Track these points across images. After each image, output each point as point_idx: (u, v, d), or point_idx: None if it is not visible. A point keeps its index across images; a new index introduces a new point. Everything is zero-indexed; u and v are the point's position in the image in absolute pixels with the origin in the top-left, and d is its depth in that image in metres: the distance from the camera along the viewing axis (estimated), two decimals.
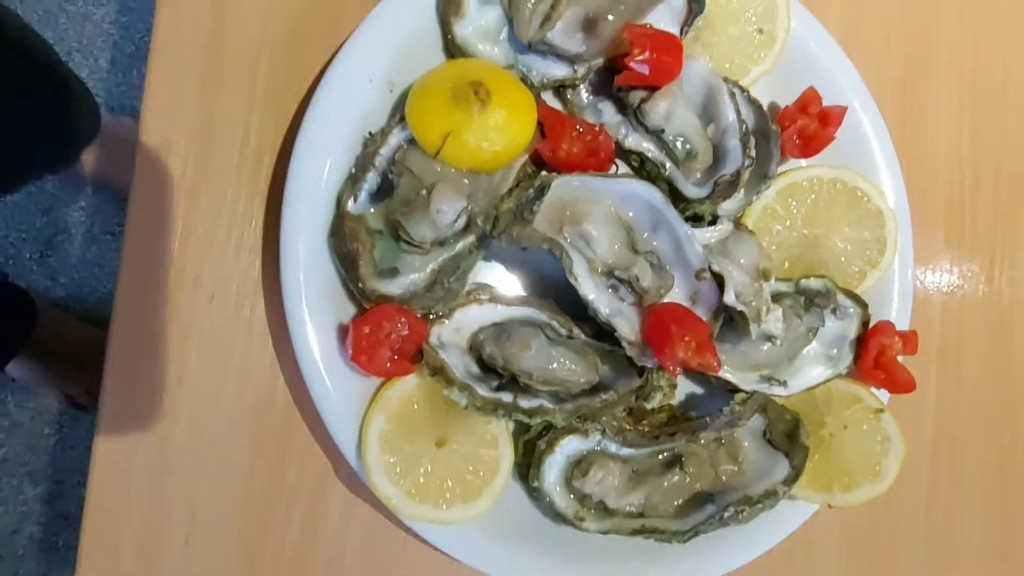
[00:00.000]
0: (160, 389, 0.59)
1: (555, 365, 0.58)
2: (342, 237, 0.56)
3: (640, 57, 0.59)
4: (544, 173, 0.58)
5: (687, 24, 0.62)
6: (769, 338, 0.61)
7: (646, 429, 0.61)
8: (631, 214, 0.59)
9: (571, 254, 0.57)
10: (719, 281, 0.58)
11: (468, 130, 0.56)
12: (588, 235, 0.58)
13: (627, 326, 0.57)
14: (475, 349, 0.59)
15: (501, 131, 0.57)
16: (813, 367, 0.64)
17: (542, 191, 0.57)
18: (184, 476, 0.59)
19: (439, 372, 0.56)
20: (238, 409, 0.60)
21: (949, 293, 0.72)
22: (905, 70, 0.73)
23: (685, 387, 0.65)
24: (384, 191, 0.58)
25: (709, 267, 0.58)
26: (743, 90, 0.65)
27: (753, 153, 0.63)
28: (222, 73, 0.61)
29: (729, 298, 0.57)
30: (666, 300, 0.59)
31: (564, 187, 0.58)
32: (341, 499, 0.60)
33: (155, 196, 0.60)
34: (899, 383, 0.63)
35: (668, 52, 0.60)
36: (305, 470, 0.60)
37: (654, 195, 0.58)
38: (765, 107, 0.67)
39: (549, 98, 0.63)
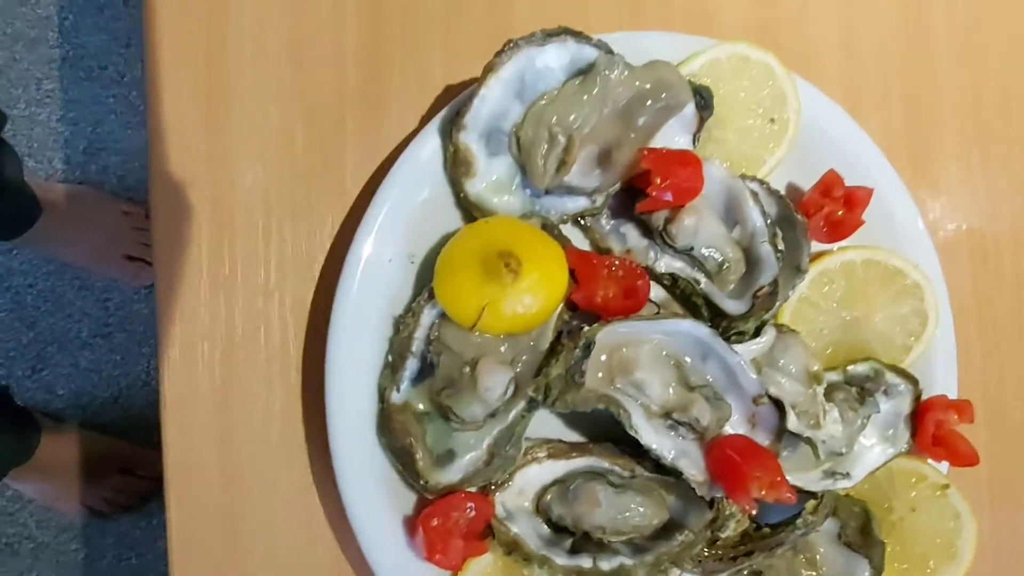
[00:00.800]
0: None
1: (626, 514, 0.57)
2: (393, 433, 0.54)
3: (663, 186, 0.57)
4: (586, 328, 0.56)
5: (699, 131, 0.60)
6: (828, 443, 0.60)
7: (720, 552, 0.60)
8: (679, 350, 0.58)
9: (627, 407, 0.55)
10: (777, 405, 0.57)
11: (503, 300, 0.54)
12: (640, 383, 0.56)
13: (693, 467, 0.56)
14: (542, 510, 0.58)
15: (536, 293, 0.55)
16: (872, 450, 0.64)
17: (588, 348, 0.55)
18: None
19: (514, 548, 0.55)
20: None
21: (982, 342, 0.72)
22: (907, 120, 0.71)
23: None
24: (424, 370, 0.56)
25: (766, 393, 0.57)
26: (762, 183, 0.63)
27: (782, 246, 0.62)
28: (233, 269, 0.58)
29: (791, 424, 0.57)
30: (726, 427, 0.58)
31: (609, 337, 0.56)
32: None
33: (185, 408, 0.58)
34: (961, 456, 0.63)
35: (688, 171, 0.58)
36: None
37: (700, 330, 0.57)
38: (784, 190, 0.65)
39: (568, 229, 0.61)
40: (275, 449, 0.58)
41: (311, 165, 0.60)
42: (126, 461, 1.38)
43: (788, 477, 0.61)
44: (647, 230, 0.61)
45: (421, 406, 0.55)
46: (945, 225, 0.71)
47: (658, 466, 0.59)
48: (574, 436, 0.61)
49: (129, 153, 1.47)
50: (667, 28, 0.64)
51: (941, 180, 0.71)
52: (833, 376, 0.64)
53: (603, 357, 0.56)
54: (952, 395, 0.65)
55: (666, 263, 0.60)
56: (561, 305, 0.57)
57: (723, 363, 0.57)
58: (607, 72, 0.55)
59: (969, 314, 0.71)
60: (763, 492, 0.54)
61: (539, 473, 0.58)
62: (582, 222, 0.62)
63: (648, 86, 0.57)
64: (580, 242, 0.62)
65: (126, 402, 1.46)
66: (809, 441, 0.57)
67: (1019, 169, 0.73)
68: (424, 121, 0.61)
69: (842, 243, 0.64)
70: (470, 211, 0.58)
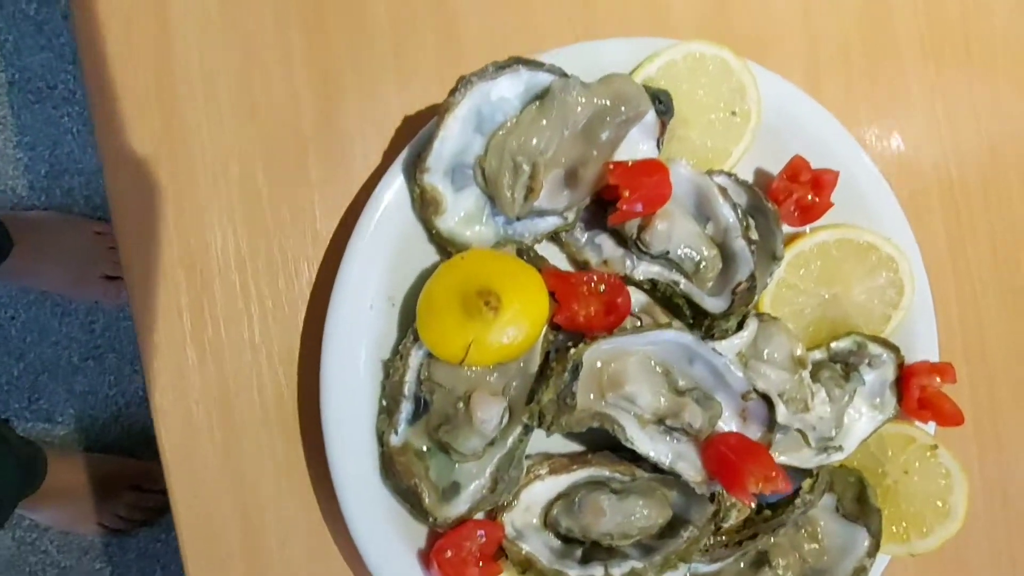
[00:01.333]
0: None
1: (631, 517, 0.59)
2: (397, 476, 0.56)
3: (632, 199, 0.57)
4: (572, 350, 0.57)
5: (662, 135, 0.60)
6: (819, 428, 0.62)
7: (725, 539, 0.62)
8: (665, 357, 0.59)
9: (621, 420, 0.57)
10: (766, 399, 0.58)
11: (488, 336, 0.54)
12: (631, 395, 0.57)
13: (691, 468, 0.58)
14: (550, 524, 0.60)
15: (519, 323, 0.55)
16: (861, 420, 0.66)
17: (576, 371, 0.56)
18: None
19: (528, 567, 0.57)
20: None
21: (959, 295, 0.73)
22: (871, 80, 0.71)
23: None
24: (419, 408, 0.57)
25: (753, 388, 0.58)
26: (730, 175, 0.63)
27: (756, 236, 0.63)
28: (216, 330, 0.59)
29: (781, 417, 0.58)
30: (719, 424, 0.59)
31: (595, 355, 0.57)
32: None
33: (190, 472, 0.58)
34: (947, 416, 0.65)
35: (656, 180, 0.58)
36: None
37: (684, 337, 0.58)
38: (753, 176, 0.66)
39: (544, 246, 0.61)
40: (286, 498, 0.60)
41: (279, 215, 0.60)
42: (135, 477, 1.40)
43: (783, 458, 0.64)
44: (622, 239, 0.61)
45: (420, 444, 0.57)
46: (912, 182, 0.71)
47: (656, 467, 0.60)
48: (572, 447, 0.63)
49: (91, 173, 1.45)
50: (621, 30, 0.64)
51: (907, 134, 0.72)
52: (817, 355, 0.65)
53: (592, 375, 0.57)
54: (934, 358, 0.67)
55: (644, 269, 0.61)
56: (546, 327, 0.58)
57: (709, 364, 0.58)
58: (563, 95, 0.55)
59: (945, 269, 0.72)
60: (759, 486, 0.56)
61: (543, 489, 0.60)
62: (559, 236, 0.62)
63: (607, 102, 0.57)
64: (556, 257, 0.62)
65: (127, 420, 1.47)
66: (800, 432, 0.58)
67: (983, 113, 0.73)
68: (387, 156, 0.61)
69: (814, 224, 0.65)
70: (444, 246, 0.58)
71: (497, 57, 0.62)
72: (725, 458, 0.57)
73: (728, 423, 0.60)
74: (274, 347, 0.60)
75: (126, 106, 0.57)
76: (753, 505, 0.58)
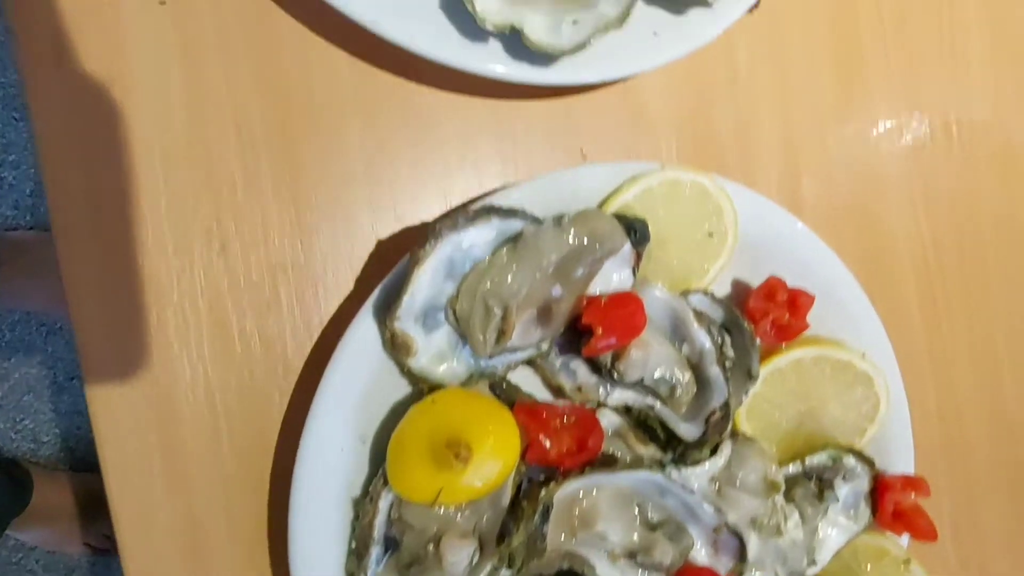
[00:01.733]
0: None
1: None
2: None
3: (606, 339, 0.56)
4: (543, 491, 0.56)
5: (637, 263, 0.59)
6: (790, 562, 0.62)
7: None
8: (638, 491, 0.59)
9: (591, 560, 0.57)
10: (737, 534, 0.58)
11: (458, 483, 0.54)
12: (602, 534, 0.57)
13: None
14: None
15: (490, 466, 0.55)
16: (835, 532, 0.66)
17: (547, 512, 0.56)
18: None
19: None
20: None
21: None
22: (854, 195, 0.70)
23: None
24: (389, 546, 0.57)
25: (724, 524, 0.58)
26: (707, 293, 0.62)
27: (731, 352, 0.63)
28: (185, 467, 0.58)
29: (752, 553, 0.58)
30: (691, 554, 0.60)
31: (566, 494, 0.57)
32: None
33: None
34: (921, 531, 0.65)
35: (630, 314, 0.58)
36: None
37: (654, 476, 0.57)
38: (731, 286, 0.65)
39: (519, 371, 0.61)
40: None
41: (249, 345, 0.59)
42: None
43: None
44: (596, 366, 0.61)
45: None
46: (889, 269, 0.72)
47: None
48: None
49: None
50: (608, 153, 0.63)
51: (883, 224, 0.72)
52: (792, 468, 0.65)
53: (562, 514, 0.57)
54: (910, 469, 0.67)
55: (618, 397, 0.60)
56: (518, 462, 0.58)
57: (681, 500, 0.58)
58: (536, 240, 0.54)
59: (924, 368, 0.73)
60: None
61: None
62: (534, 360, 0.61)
63: (581, 241, 0.55)
64: (530, 378, 0.62)
65: None
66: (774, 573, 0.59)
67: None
68: (359, 284, 0.60)
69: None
70: (415, 382, 0.57)
71: (471, 183, 0.61)
72: None
73: (700, 552, 0.60)
74: (247, 480, 0.59)
75: (89, 272, 0.57)
76: None
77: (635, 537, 0.58)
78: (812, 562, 0.65)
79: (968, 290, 0.73)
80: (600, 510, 0.58)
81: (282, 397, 0.59)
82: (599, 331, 0.56)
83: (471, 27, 0.54)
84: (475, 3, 0.52)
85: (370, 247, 0.60)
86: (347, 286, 0.60)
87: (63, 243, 0.56)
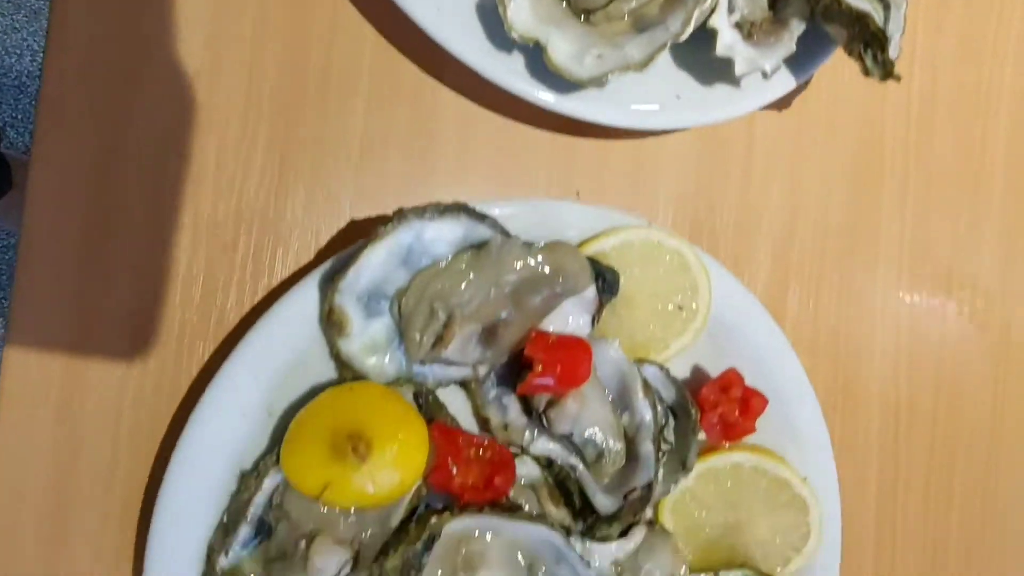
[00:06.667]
0: None
1: None
2: None
3: (544, 377, 0.54)
4: (433, 519, 0.53)
5: (599, 313, 0.57)
6: None
7: None
8: (532, 549, 0.55)
9: None
10: None
11: (349, 480, 0.51)
12: None
13: None
14: None
15: (388, 474, 0.52)
16: None
17: (431, 542, 0.52)
18: None
19: None
20: None
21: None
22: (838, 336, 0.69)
23: None
24: (264, 532, 0.53)
25: None
26: (661, 368, 0.60)
27: (671, 438, 0.60)
28: (84, 393, 0.55)
29: None
30: None
31: (457, 529, 0.53)
32: None
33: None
34: None
35: (575, 360, 0.55)
36: None
37: (555, 538, 0.54)
38: (690, 371, 0.63)
39: (451, 390, 0.58)
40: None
41: (189, 287, 0.57)
42: None
43: None
44: (529, 408, 0.58)
45: (252, 571, 0.53)
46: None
47: None
48: None
49: None
50: (602, 199, 0.61)
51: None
52: None
53: (448, 550, 0.53)
54: None
55: (542, 445, 0.57)
56: (419, 482, 0.54)
57: (575, 571, 0.54)
58: (500, 254, 0.52)
59: (868, 522, 0.69)
60: None
61: None
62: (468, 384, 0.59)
63: (545, 270, 0.54)
64: (462, 403, 0.59)
65: None
66: None
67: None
68: (320, 256, 0.58)
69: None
70: (341, 369, 0.55)
71: (459, 190, 0.60)
72: None
73: None
74: (141, 424, 0.56)
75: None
76: None
77: None
78: None
79: (931, 467, 0.70)
80: (487, 558, 0.54)
81: (206, 348, 0.57)
82: (538, 367, 0.54)
83: (499, 33, 0.54)
84: (508, 8, 0.52)
85: (341, 225, 0.59)
86: (307, 256, 0.58)
87: (40, 164, 0.55)
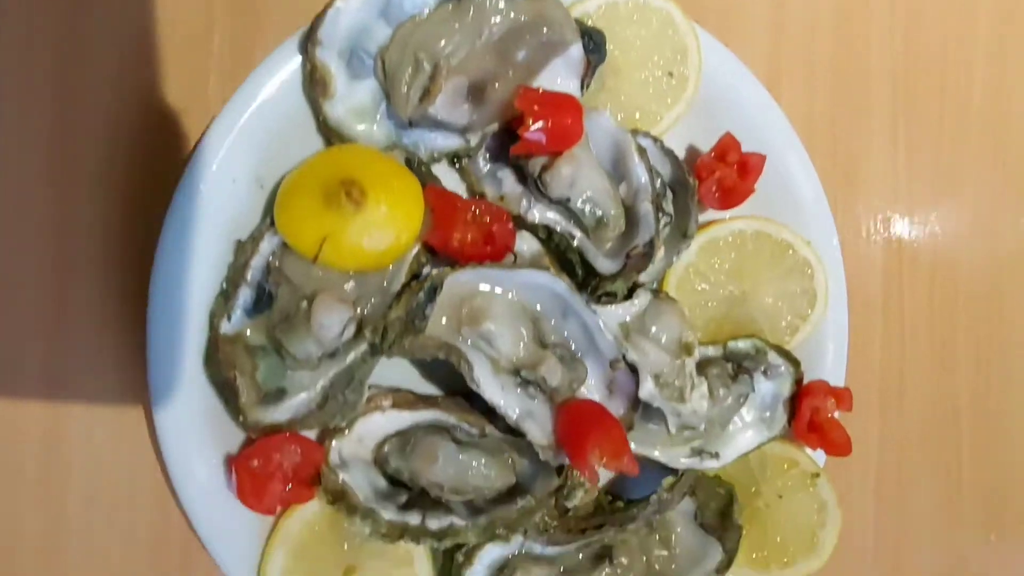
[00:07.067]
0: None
1: (467, 472, 0.54)
2: (217, 364, 0.51)
3: (534, 127, 0.53)
4: (435, 271, 0.52)
5: (587, 76, 0.56)
6: (684, 417, 0.57)
7: (571, 523, 0.57)
8: (537, 305, 0.54)
9: (471, 358, 0.52)
10: (635, 371, 0.54)
11: (345, 233, 0.50)
12: (489, 335, 0.52)
13: (538, 429, 0.53)
14: (380, 461, 0.55)
15: (383, 228, 0.51)
16: (746, 431, 0.61)
17: (433, 293, 0.51)
18: None
19: (339, 498, 0.52)
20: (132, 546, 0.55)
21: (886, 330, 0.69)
22: (834, 101, 0.68)
23: None
24: (265, 301, 0.52)
25: (623, 357, 0.54)
26: (656, 140, 0.59)
27: (671, 209, 0.59)
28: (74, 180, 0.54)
29: (645, 392, 0.53)
30: (583, 389, 0.54)
31: (458, 283, 0.52)
32: None
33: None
34: (835, 445, 0.60)
35: (565, 115, 0.54)
36: None
37: (558, 284, 0.53)
38: (684, 152, 0.62)
39: (443, 169, 0.57)
40: (109, 363, 0.54)
41: (175, 74, 0.56)
42: None
43: (653, 452, 0.59)
44: (524, 177, 0.57)
45: (257, 340, 0.52)
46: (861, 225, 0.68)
47: (510, 428, 0.55)
48: (428, 388, 0.58)
49: None
50: None
51: (861, 175, 0.68)
52: (711, 351, 0.60)
53: (452, 303, 0.53)
54: (839, 382, 0.62)
55: (540, 213, 0.56)
56: (418, 247, 0.53)
57: (582, 322, 0.54)
58: (483, 1, 0.51)
59: (875, 306, 0.68)
60: (603, 461, 0.51)
61: (382, 423, 0.55)
62: (458, 164, 0.58)
63: (527, 19, 0.53)
64: (456, 185, 0.58)
65: None
66: (659, 411, 0.53)
67: (945, 173, 0.70)
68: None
69: (736, 211, 0.61)
70: (330, 138, 0.54)
71: None
72: (574, 424, 0.52)
73: (593, 392, 0.55)
74: (139, 207, 0.55)
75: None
76: (596, 483, 0.52)
77: (523, 349, 0.53)
78: (715, 455, 0.59)
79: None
80: (492, 312, 0.53)
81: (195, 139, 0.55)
82: (529, 120, 0.52)
83: None
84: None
85: (318, 7, 0.57)
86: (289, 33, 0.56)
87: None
